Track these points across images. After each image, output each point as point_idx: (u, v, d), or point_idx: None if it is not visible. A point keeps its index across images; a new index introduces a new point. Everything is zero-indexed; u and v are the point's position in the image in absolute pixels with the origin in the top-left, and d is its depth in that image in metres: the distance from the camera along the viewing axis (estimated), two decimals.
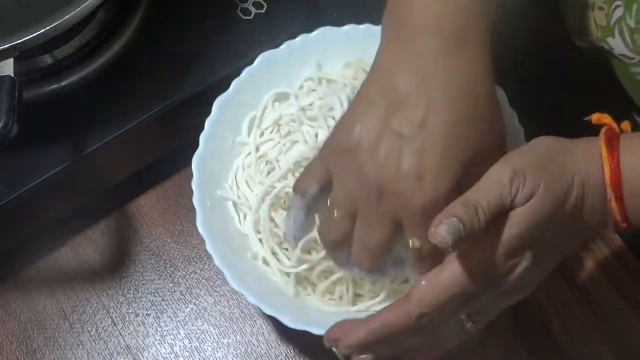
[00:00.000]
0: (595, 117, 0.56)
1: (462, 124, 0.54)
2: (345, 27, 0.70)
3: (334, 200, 0.57)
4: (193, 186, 0.65)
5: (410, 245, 0.55)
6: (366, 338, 0.53)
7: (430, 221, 0.51)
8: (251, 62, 0.69)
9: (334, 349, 0.55)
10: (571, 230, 0.54)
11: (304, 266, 0.63)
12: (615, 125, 0.55)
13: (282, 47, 0.69)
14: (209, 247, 0.63)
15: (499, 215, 0.52)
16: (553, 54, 0.76)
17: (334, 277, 0.63)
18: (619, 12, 0.62)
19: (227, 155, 0.68)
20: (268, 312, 0.61)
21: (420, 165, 0.53)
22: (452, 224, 0.49)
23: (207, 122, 0.67)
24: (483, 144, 0.55)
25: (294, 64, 0.69)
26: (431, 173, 0.53)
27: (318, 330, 0.60)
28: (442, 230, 0.49)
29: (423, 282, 0.52)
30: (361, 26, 0.70)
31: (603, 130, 0.54)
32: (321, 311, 0.63)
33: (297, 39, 0.69)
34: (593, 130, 0.56)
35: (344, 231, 0.57)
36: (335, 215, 0.56)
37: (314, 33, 0.70)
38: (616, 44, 0.64)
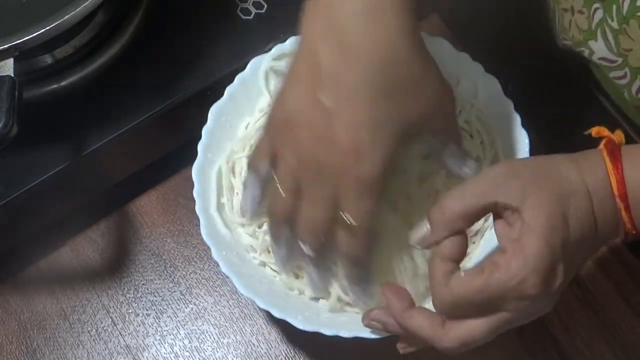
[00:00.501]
0: (595, 131, 0.56)
1: (389, 94, 0.53)
2: None
3: (278, 176, 0.57)
4: (195, 195, 0.65)
5: (347, 221, 0.55)
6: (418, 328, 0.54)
7: (366, 193, 0.54)
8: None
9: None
10: (589, 247, 0.54)
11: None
12: (614, 137, 0.55)
13: (273, 50, 0.69)
14: (214, 254, 0.63)
15: (521, 228, 0.52)
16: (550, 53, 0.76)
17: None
18: (599, 15, 0.62)
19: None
20: (278, 315, 0.61)
21: (354, 140, 0.53)
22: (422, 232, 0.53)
23: (204, 131, 0.67)
24: (419, 109, 0.55)
25: (285, 67, 0.70)
26: (366, 147, 0.53)
27: (329, 331, 0.60)
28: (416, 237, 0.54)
29: (419, 248, 0.55)
30: None
31: (603, 142, 0.55)
32: (331, 312, 0.63)
33: (287, 42, 0.69)
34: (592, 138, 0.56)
35: (286, 207, 0.57)
36: (279, 189, 0.56)
37: None
38: (598, 47, 0.64)
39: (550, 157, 0.55)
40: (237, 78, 0.69)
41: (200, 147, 0.67)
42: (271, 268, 0.65)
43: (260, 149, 0.59)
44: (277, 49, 0.69)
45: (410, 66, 0.54)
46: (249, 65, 0.69)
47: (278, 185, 0.57)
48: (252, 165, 0.59)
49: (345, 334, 0.60)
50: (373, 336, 0.59)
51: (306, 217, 0.56)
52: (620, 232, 0.55)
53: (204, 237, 0.64)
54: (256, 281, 0.64)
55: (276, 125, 0.56)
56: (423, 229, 0.54)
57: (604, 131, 0.56)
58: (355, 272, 0.58)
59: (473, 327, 0.53)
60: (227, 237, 0.65)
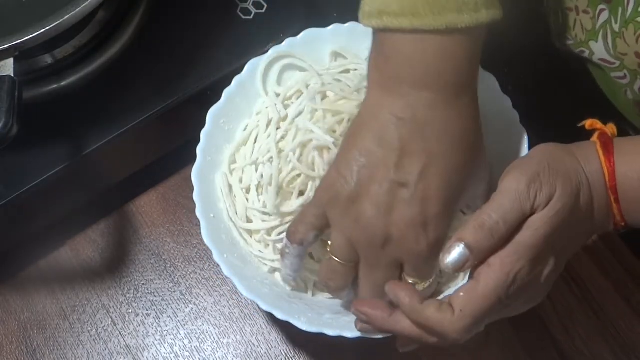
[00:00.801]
0: (589, 123, 0.57)
1: (458, 172, 0.56)
2: (330, 27, 0.70)
3: (334, 249, 0.58)
4: (195, 198, 0.65)
5: (411, 282, 0.57)
6: (408, 328, 0.55)
7: (430, 261, 0.56)
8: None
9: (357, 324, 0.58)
10: (583, 229, 0.56)
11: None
12: (607, 130, 0.56)
13: (270, 52, 0.69)
14: (216, 257, 0.63)
15: (522, 222, 0.53)
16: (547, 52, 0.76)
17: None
18: (604, 16, 0.63)
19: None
20: (281, 317, 0.61)
21: (424, 214, 0.55)
22: (460, 255, 0.53)
23: (203, 134, 0.67)
24: (471, 183, 0.58)
25: (282, 68, 0.69)
26: (434, 221, 0.55)
27: (333, 332, 0.60)
28: (449, 262, 0.53)
29: (461, 294, 0.53)
30: (346, 25, 0.70)
31: (596, 135, 0.56)
32: (333, 312, 0.63)
33: (284, 43, 0.69)
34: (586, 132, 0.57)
35: (346, 278, 0.58)
36: (337, 262, 0.58)
37: (300, 36, 0.69)
38: (598, 49, 0.64)
39: (547, 151, 0.56)
40: (235, 80, 0.69)
41: (199, 150, 0.67)
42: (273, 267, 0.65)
43: (307, 220, 0.58)
44: (274, 51, 0.69)
45: (478, 148, 0.57)
46: (246, 67, 0.69)
47: (334, 258, 0.58)
48: (295, 235, 0.59)
49: (348, 334, 0.60)
50: (377, 336, 0.59)
51: (372, 282, 0.58)
52: (610, 222, 0.56)
53: (205, 240, 0.63)
54: (258, 283, 0.64)
55: (337, 197, 0.56)
56: (456, 253, 0.53)
57: (597, 124, 0.57)
58: None
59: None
60: (228, 239, 0.65)
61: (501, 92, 0.67)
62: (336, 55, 0.70)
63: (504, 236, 0.52)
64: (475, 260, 0.53)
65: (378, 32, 0.55)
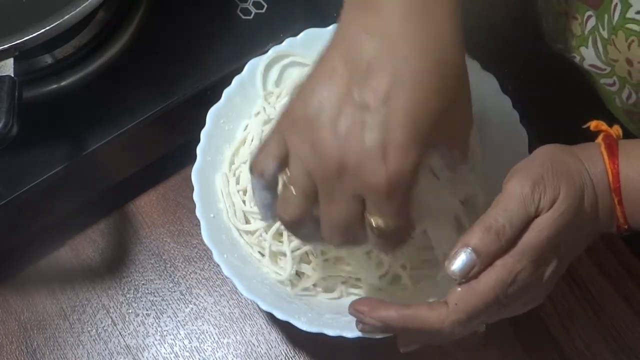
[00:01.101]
0: (594, 125, 0.57)
1: (430, 100, 0.50)
2: (330, 27, 0.70)
3: (290, 177, 0.53)
4: (195, 199, 0.65)
5: (373, 224, 0.52)
6: (395, 320, 0.53)
7: (393, 200, 0.50)
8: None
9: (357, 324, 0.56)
10: (587, 231, 0.55)
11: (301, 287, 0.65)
12: (612, 131, 0.56)
13: (269, 52, 0.69)
14: (216, 257, 0.63)
15: (527, 225, 0.52)
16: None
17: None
18: (591, 22, 0.63)
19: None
20: (281, 317, 0.61)
21: (385, 140, 0.50)
22: (466, 261, 0.51)
23: (203, 134, 0.67)
24: (450, 117, 0.52)
25: (282, 69, 0.70)
26: (396, 150, 0.50)
27: (333, 332, 0.60)
28: (456, 268, 0.51)
29: (459, 289, 0.52)
30: None
31: (601, 137, 0.56)
32: (333, 312, 0.63)
33: (284, 43, 0.69)
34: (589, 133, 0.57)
35: (301, 210, 0.53)
36: (293, 193, 0.53)
37: (300, 36, 0.69)
38: (588, 54, 0.64)
39: (550, 152, 0.55)
40: (235, 80, 0.69)
41: (199, 150, 0.67)
42: (277, 273, 0.66)
43: (266, 149, 0.54)
44: (274, 51, 0.69)
45: (455, 71, 0.52)
46: (246, 67, 0.69)
47: (290, 187, 0.53)
48: (256, 167, 0.55)
49: (348, 334, 0.60)
50: (376, 336, 0.59)
51: (329, 218, 0.53)
52: (614, 224, 0.56)
53: (205, 240, 0.64)
54: (258, 283, 0.64)
55: (295, 122, 0.52)
56: (462, 258, 0.52)
57: (602, 125, 0.56)
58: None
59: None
60: (228, 239, 0.65)
61: (501, 92, 0.67)
62: None
63: (510, 240, 0.52)
64: (482, 266, 0.52)
65: None
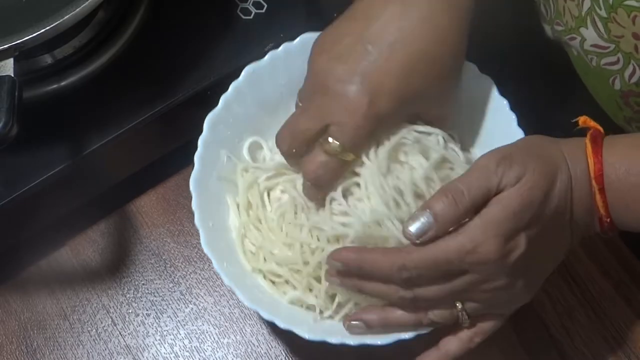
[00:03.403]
0: (582, 120, 0.58)
1: (424, 61, 0.57)
2: None
3: (299, 96, 0.62)
4: (194, 207, 0.64)
5: (330, 141, 0.58)
6: (352, 260, 0.56)
7: (358, 134, 0.57)
8: (251, 61, 0.69)
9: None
10: (562, 223, 0.56)
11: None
12: (600, 128, 0.57)
13: (266, 58, 0.68)
14: (216, 266, 0.62)
15: (493, 197, 0.53)
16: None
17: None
18: (587, 3, 0.63)
19: (224, 172, 0.68)
20: (283, 326, 0.61)
21: (373, 81, 0.57)
22: (423, 223, 0.53)
23: (200, 141, 0.66)
24: (439, 86, 0.59)
25: (279, 74, 0.69)
26: (379, 94, 0.57)
27: (336, 339, 0.60)
28: (413, 229, 0.54)
29: (418, 242, 0.54)
30: None
31: (590, 131, 0.56)
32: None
33: (280, 48, 0.68)
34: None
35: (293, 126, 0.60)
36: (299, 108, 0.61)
37: (296, 41, 0.68)
38: (589, 34, 0.64)
39: (532, 138, 0.57)
40: (232, 86, 0.68)
41: (196, 158, 0.66)
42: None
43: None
44: (270, 56, 0.68)
45: (454, 51, 0.59)
46: (243, 73, 0.68)
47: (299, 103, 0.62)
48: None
49: (351, 341, 0.60)
50: (379, 343, 0.59)
51: (290, 122, 0.60)
52: (595, 221, 0.56)
53: (205, 249, 0.63)
54: (259, 292, 0.64)
55: (322, 46, 0.60)
56: (420, 220, 0.54)
57: (590, 121, 0.57)
58: (311, 190, 0.61)
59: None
60: (227, 248, 0.65)
61: (498, 94, 0.67)
62: None
63: (468, 208, 0.53)
64: (439, 231, 0.53)
65: None
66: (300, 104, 0.62)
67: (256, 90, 0.68)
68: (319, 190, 0.60)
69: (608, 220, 0.55)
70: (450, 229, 0.53)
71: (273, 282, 0.65)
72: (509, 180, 0.53)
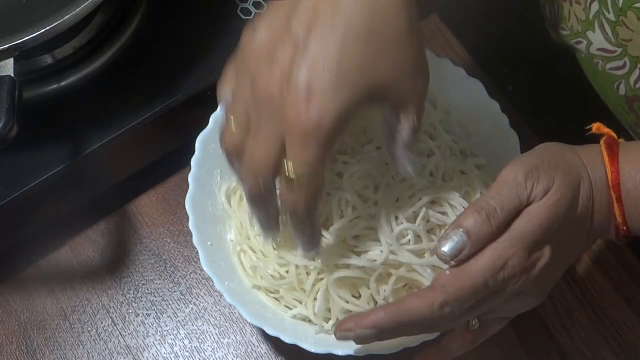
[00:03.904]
0: (596, 127, 0.57)
1: (367, 42, 0.49)
2: None
3: (230, 107, 0.53)
4: (191, 228, 0.64)
5: (285, 168, 0.50)
6: (385, 320, 0.52)
7: (308, 143, 0.48)
8: None
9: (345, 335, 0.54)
10: (582, 230, 0.55)
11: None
12: (614, 134, 0.56)
13: None
14: (217, 285, 0.62)
15: (519, 212, 0.52)
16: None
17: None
18: (595, 7, 0.63)
19: (219, 190, 0.68)
20: (288, 341, 0.61)
21: (310, 79, 0.48)
22: (457, 242, 0.51)
23: (193, 161, 0.66)
24: (393, 70, 0.50)
25: None
26: (320, 91, 0.48)
27: (342, 351, 0.60)
28: (447, 249, 0.51)
29: (447, 272, 0.52)
30: None
31: (603, 138, 0.56)
32: None
33: None
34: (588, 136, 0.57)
35: (235, 141, 0.52)
36: (232, 122, 0.52)
37: None
38: (596, 38, 0.64)
39: (550, 146, 0.56)
40: (220, 106, 0.68)
41: (190, 178, 0.66)
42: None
43: (224, 78, 0.54)
44: None
45: (398, 23, 0.50)
46: None
47: (230, 116, 0.52)
48: (218, 94, 0.54)
49: (358, 352, 0.60)
50: (387, 352, 0.59)
51: (248, 155, 0.52)
52: (612, 229, 0.56)
53: (205, 268, 0.63)
54: (262, 307, 0.64)
55: (243, 52, 0.52)
56: (453, 239, 0.51)
57: (604, 128, 0.57)
58: (297, 224, 0.54)
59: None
60: (227, 266, 0.65)
61: (488, 97, 0.67)
62: None
63: (501, 224, 0.51)
64: (472, 248, 0.51)
65: None
66: (251, 127, 0.52)
67: None
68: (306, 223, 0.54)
69: (625, 228, 0.55)
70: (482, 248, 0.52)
71: (276, 298, 0.65)
72: (537, 192, 0.52)
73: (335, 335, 0.54)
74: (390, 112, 0.53)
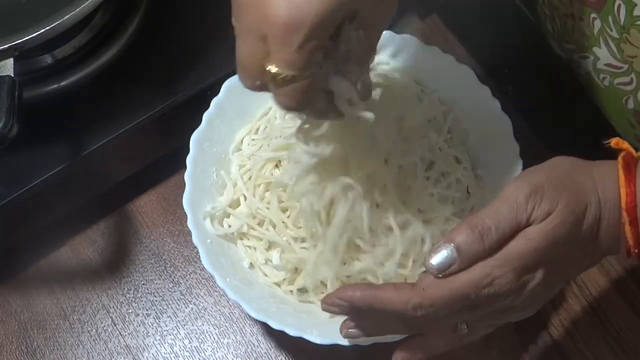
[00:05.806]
0: (614, 142, 0.55)
1: None
2: None
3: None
4: (190, 226, 0.65)
5: (267, 68, 0.50)
6: (360, 299, 0.53)
7: (289, 42, 0.48)
8: None
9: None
10: (585, 251, 0.54)
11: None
12: (633, 151, 0.54)
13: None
14: (219, 282, 0.63)
15: (516, 232, 0.51)
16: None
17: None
18: (598, 24, 0.62)
19: (215, 189, 0.68)
20: (293, 334, 0.61)
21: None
22: (446, 257, 0.51)
23: (188, 160, 0.67)
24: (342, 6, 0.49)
25: None
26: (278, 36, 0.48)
27: (347, 342, 0.60)
28: (435, 262, 0.51)
29: (431, 277, 0.52)
30: None
31: (622, 154, 0.54)
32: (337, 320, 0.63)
33: None
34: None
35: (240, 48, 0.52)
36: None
37: None
38: (602, 54, 0.64)
39: (561, 163, 0.54)
40: (213, 103, 0.68)
41: (187, 177, 0.66)
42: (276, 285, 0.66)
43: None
44: None
45: None
46: (222, 88, 0.69)
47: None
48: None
49: (363, 342, 0.60)
50: (391, 340, 0.59)
51: (237, 58, 0.52)
52: (622, 248, 0.54)
53: (206, 266, 0.63)
54: (264, 302, 0.64)
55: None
56: (443, 254, 0.51)
57: (624, 143, 0.55)
58: (300, 113, 0.55)
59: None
60: (228, 263, 0.65)
61: (479, 82, 0.67)
62: None
63: (494, 244, 0.51)
64: (462, 265, 0.51)
65: None
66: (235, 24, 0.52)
67: (237, 103, 0.69)
68: (302, 112, 0.54)
69: (637, 250, 0.53)
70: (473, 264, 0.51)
71: (278, 285, 0.65)
72: (537, 215, 0.51)
73: (322, 307, 0.56)
74: (351, 33, 0.52)
